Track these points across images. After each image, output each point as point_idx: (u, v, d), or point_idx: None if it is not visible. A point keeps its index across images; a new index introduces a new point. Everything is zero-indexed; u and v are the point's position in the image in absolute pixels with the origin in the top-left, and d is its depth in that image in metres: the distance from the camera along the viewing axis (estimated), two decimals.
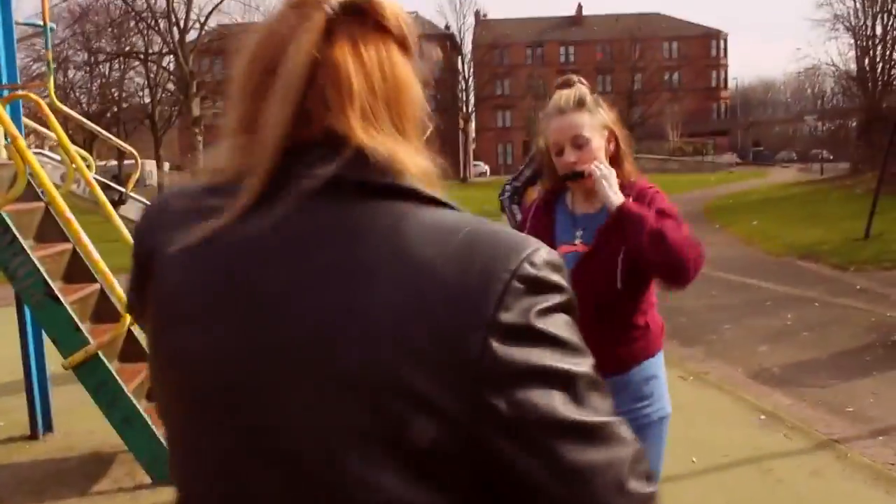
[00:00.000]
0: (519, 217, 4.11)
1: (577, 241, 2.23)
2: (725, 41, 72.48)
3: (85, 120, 6.39)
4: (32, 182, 4.28)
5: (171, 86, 29.00)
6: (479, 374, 0.71)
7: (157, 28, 26.15)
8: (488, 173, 66.22)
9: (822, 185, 28.87)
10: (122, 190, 6.10)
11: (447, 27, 59.48)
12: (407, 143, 0.81)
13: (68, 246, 4.80)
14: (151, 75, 30.27)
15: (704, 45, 70.58)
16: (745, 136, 69.29)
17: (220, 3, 26.82)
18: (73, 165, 4.76)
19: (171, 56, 25.80)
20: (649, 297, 2.27)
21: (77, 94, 34.26)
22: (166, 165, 33.72)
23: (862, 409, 5.22)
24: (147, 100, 32.05)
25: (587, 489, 0.72)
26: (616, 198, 2.10)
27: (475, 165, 65.59)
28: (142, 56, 29.94)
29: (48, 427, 5.06)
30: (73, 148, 4.75)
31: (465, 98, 52.44)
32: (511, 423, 0.71)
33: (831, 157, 38.16)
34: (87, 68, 32.65)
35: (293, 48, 0.77)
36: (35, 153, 4.64)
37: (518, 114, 60.68)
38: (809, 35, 68.15)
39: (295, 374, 0.73)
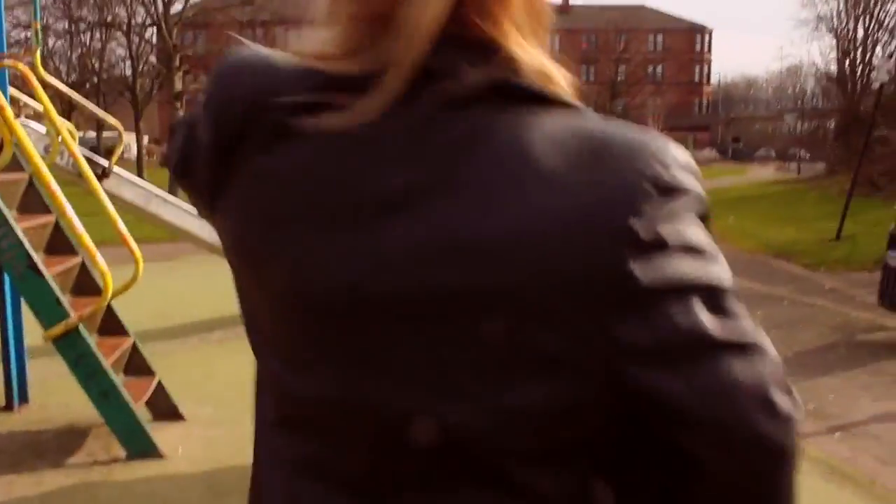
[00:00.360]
0: None
1: None
2: (710, 36, 72.88)
3: (71, 91, 6.38)
4: (17, 152, 4.30)
5: (153, 58, 28.71)
6: (615, 295, 0.66)
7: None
8: None
9: (798, 184, 29.21)
10: (106, 163, 6.10)
11: None
12: (542, 47, 0.75)
13: (51, 218, 4.83)
14: (134, 47, 29.93)
15: (689, 40, 70.94)
16: (725, 131, 69.71)
17: None
18: (59, 137, 4.78)
19: (154, 28, 25.50)
20: None
21: (57, 62, 33.82)
22: (146, 138, 33.43)
23: (822, 406, 5.39)
24: (128, 72, 31.71)
25: (734, 408, 0.67)
26: None
27: None
28: (124, 27, 29.61)
29: (24, 398, 5.09)
30: (59, 119, 4.77)
31: None
32: (652, 345, 0.66)
33: (809, 157, 38.57)
34: (68, 37, 32.28)
35: None
36: (20, 123, 4.65)
37: None
38: (793, 34, 68.15)
39: (424, 290, 0.67)
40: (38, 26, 5.08)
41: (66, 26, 31.22)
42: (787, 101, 65.30)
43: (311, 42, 0.73)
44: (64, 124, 5.10)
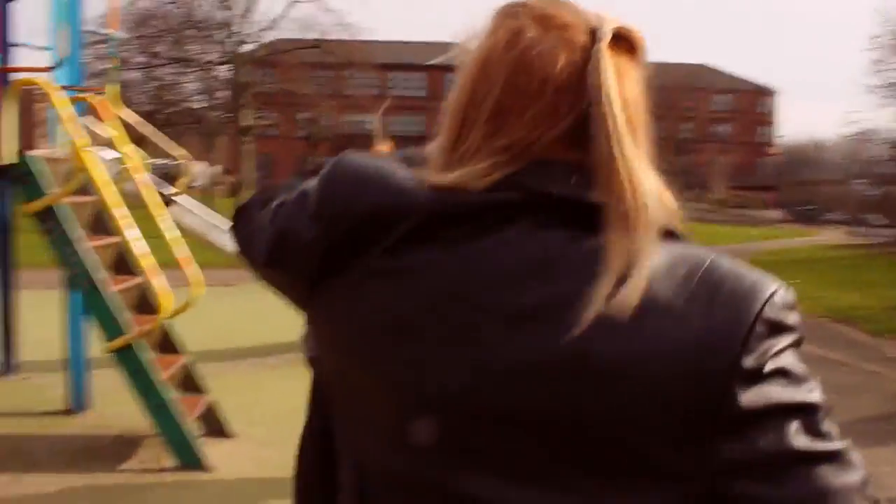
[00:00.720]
0: None
1: None
2: (776, 97, 72.14)
3: (144, 124, 6.62)
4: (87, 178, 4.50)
5: (223, 93, 29.57)
6: (720, 417, 0.72)
7: (213, 38, 26.77)
8: None
9: (867, 249, 28.51)
10: (169, 194, 6.29)
11: None
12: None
13: (118, 239, 5.02)
14: (205, 82, 30.97)
15: (754, 100, 70.23)
16: (792, 193, 68.66)
17: (279, 19, 27.39)
18: (128, 165, 4.99)
19: (227, 65, 26.36)
20: None
21: (133, 93, 35.07)
22: (219, 168, 34.36)
23: (878, 476, 5.21)
24: (199, 105, 32.76)
25: None
26: None
27: None
28: (198, 63, 30.68)
29: (85, 405, 5.28)
30: (130, 147, 4.98)
31: None
32: (752, 459, 0.73)
33: (879, 223, 37.68)
34: (146, 70, 33.50)
35: (601, 75, 0.76)
36: (94, 150, 4.87)
37: None
38: (863, 99, 67.19)
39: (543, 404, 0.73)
40: (117, 62, 5.33)
41: (145, 60, 32.43)
42: (857, 165, 64.16)
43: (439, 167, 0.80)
44: (137, 152, 5.32)
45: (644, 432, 0.72)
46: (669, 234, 0.77)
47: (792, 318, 0.78)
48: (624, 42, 0.81)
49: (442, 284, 0.76)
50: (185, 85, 34.26)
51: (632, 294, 0.71)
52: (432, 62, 61.17)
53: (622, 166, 0.74)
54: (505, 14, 0.83)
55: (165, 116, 36.51)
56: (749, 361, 0.73)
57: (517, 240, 0.75)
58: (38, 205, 4.37)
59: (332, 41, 29.91)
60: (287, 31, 29.69)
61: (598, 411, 0.72)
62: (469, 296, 0.75)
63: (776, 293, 0.77)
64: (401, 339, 0.77)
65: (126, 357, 4.26)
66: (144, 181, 5.01)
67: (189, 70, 31.86)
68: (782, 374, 0.75)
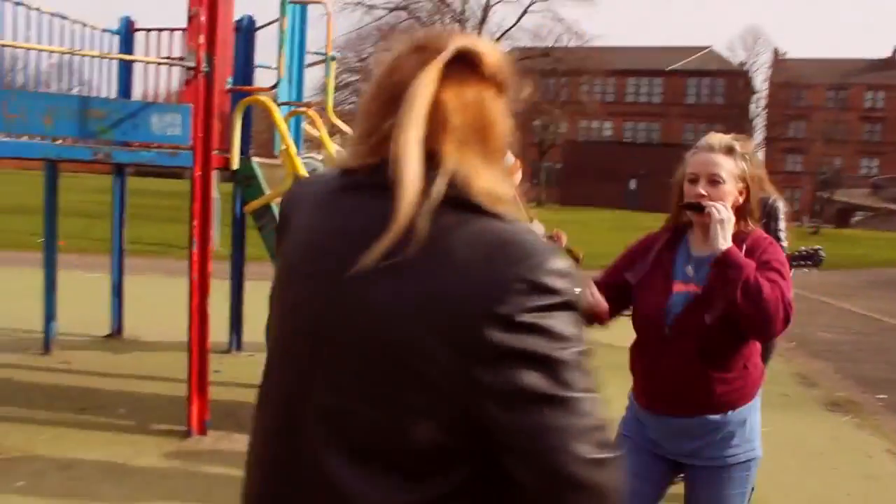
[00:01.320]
0: None
1: (691, 282, 2.34)
2: None
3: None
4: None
5: None
6: (478, 352, 0.95)
7: None
8: None
9: None
10: None
11: (741, 64, 57.30)
12: (491, 167, 1.05)
13: None
14: None
15: None
16: None
17: (508, 30, 28.19)
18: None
19: None
20: (752, 344, 2.36)
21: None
22: None
23: None
24: None
25: (543, 445, 0.96)
26: (724, 242, 2.22)
27: None
28: None
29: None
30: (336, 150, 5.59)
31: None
32: (495, 390, 0.96)
33: None
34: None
35: (416, 86, 1.01)
36: (307, 157, 5.55)
37: (809, 159, 56.81)
38: None
39: (355, 337, 1.02)
40: (329, 81, 5.99)
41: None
42: None
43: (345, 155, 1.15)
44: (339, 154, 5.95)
45: (426, 360, 0.98)
46: (495, 215, 1.02)
47: (559, 283, 0.98)
48: (467, 60, 1.06)
49: (310, 240, 1.12)
50: None
51: (409, 249, 0.97)
52: (670, 68, 59.74)
53: (395, 152, 1.00)
54: (401, 41, 1.11)
55: None
56: (503, 310, 0.95)
57: (358, 208, 1.07)
58: (255, 204, 5.10)
59: (561, 49, 30.23)
60: (519, 41, 30.42)
61: (391, 341, 0.99)
62: (329, 249, 1.08)
63: (546, 261, 0.98)
64: (287, 281, 1.13)
65: None
66: None
67: None
68: (538, 328, 0.96)
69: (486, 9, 26.79)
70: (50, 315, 6.82)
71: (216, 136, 4.90)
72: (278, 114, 5.03)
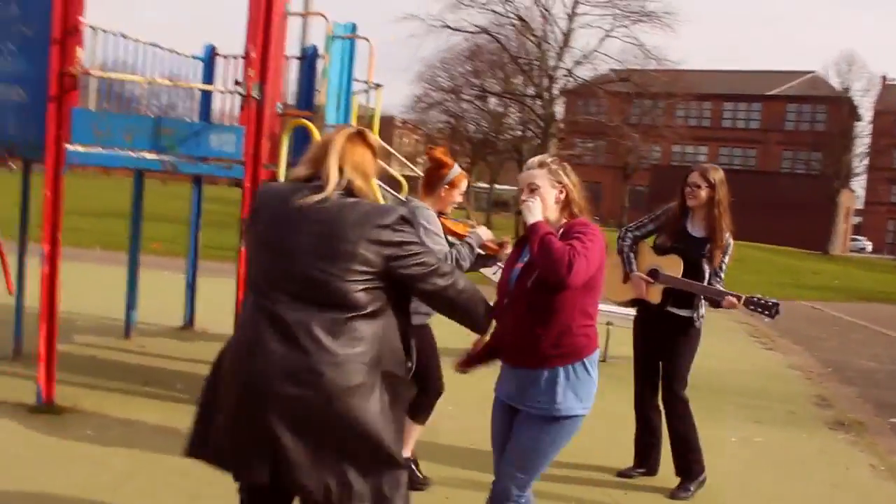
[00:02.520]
0: (634, 266, 4.82)
1: (524, 260, 3.11)
2: None
3: (390, 153, 8.07)
4: None
5: (537, 125, 31.47)
6: (385, 243, 2.49)
7: (528, 73, 28.79)
8: (869, 249, 60.45)
9: None
10: None
11: (846, 89, 55.73)
12: (366, 181, 2.60)
13: None
14: (525, 114, 33.31)
15: None
16: None
17: (585, 57, 28.64)
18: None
19: (539, 99, 28.22)
20: (578, 315, 2.98)
21: (465, 122, 38.65)
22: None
23: None
24: (518, 135, 35.26)
25: (427, 277, 2.59)
26: (531, 217, 3.01)
27: (854, 240, 60.32)
28: (510, 97, 33.17)
29: None
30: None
31: (848, 166, 48.49)
32: (397, 259, 2.51)
33: None
34: (477, 102, 36.80)
35: (337, 140, 2.60)
36: None
37: None
38: None
39: (306, 259, 2.48)
40: (376, 108, 6.80)
41: (476, 93, 35.66)
42: None
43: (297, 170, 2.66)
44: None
45: (359, 247, 2.47)
46: (370, 201, 2.60)
47: (403, 226, 2.55)
48: (360, 135, 2.67)
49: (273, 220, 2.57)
50: (510, 116, 37.03)
51: (330, 206, 2.50)
52: (770, 93, 58.66)
53: (326, 167, 2.54)
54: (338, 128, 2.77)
55: (492, 145, 39.74)
56: (382, 229, 2.50)
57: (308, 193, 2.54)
58: None
59: (646, 73, 30.49)
60: (602, 64, 30.82)
61: (339, 250, 2.47)
62: (286, 223, 2.52)
63: (398, 215, 2.55)
64: (258, 247, 2.58)
65: None
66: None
67: (512, 103, 34.36)
68: (399, 240, 2.54)
69: (568, 34, 27.32)
70: (130, 305, 7.86)
71: (265, 153, 5.77)
72: (317, 134, 5.85)
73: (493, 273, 5.05)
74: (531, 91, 29.50)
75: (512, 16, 28.32)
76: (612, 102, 31.80)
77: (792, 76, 58.42)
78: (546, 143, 27.47)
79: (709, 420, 6.58)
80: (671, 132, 38.78)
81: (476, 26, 29.18)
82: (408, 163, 8.36)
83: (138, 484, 4.32)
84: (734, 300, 4.44)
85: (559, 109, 32.68)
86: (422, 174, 4.72)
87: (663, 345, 4.83)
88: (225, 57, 7.74)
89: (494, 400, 3.23)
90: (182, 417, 5.47)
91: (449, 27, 29.13)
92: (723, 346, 11.10)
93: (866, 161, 51.24)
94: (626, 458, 5.15)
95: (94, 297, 9.27)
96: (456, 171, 4.40)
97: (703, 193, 4.69)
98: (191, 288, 8.49)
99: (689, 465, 4.83)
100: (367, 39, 6.63)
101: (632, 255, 4.86)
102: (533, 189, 3.11)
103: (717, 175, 4.74)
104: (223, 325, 8.21)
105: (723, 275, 4.78)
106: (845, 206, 52.58)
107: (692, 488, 4.78)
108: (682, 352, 4.81)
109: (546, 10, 27.61)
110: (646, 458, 5.03)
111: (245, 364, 2.47)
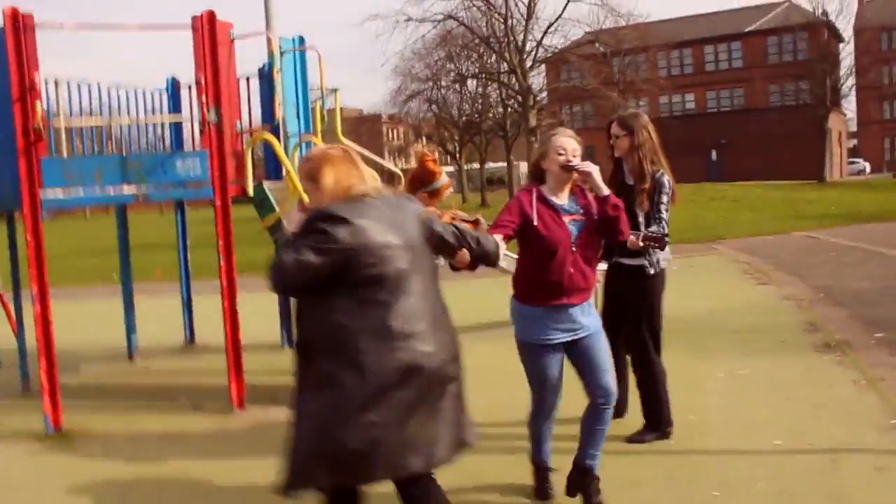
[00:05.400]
0: None
1: (575, 214, 3.82)
2: None
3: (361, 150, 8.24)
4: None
5: (516, 100, 31.63)
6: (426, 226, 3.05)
7: (499, 51, 28.92)
8: (868, 170, 60.31)
9: None
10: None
11: (824, 13, 55.41)
12: (314, 195, 2.92)
13: None
14: (500, 92, 33.51)
15: None
16: None
17: (551, 27, 28.71)
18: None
19: (513, 74, 28.36)
20: None
21: (448, 107, 38.85)
22: (522, 166, 36.88)
23: None
24: (500, 112, 35.51)
25: (452, 238, 3.13)
26: (603, 188, 3.84)
27: (851, 163, 60.13)
28: (487, 75, 33.41)
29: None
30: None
31: (835, 90, 48.21)
32: (437, 226, 3.09)
33: None
34: (457, 86, 37.02)
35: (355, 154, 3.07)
36: None
37: None
38: None
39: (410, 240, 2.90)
40: (322, 112, 7.04)
41: (454, 77, 35.85)
42: None
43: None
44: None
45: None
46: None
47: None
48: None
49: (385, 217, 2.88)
50: (490, 96, 37.19)
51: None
52: (748, 29, 58.42)
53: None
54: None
55: (476, 126, 39.92)
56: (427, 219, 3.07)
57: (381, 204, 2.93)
58: (269, 220, 6.21)
59: (617, 30, 30.57)
60: (572, 30, 30.87)
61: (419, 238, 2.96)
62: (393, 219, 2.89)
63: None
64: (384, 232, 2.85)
65: None
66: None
67: (490, 82, 34.53)
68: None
69: (531, 5, 27.43)
70: (130, 329, 8.20)
71: (231, 171, 6.03)
72: (278, 145, 6.11)
73: (508, 265, 5.25)
74: (505, 68, 29.62)
75: None
76: (587, 66, 31.89)
77: (767, 9, 58.04)
78: (526, 116, 27.60)
79: (697, 359, 6.85)
80: (651, 84, 38.78)
81: (441, 14, 29.32)
82: (377, 159, 8.54)
83: (144, 490, 4.62)
84: (633, 238, 4.32)
85: (537, 81, 32.81)
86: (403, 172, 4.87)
87: (623, 296, 4.94)
88: (189, 87, 7.98)
89: (545, 348, 3.84)
90: (185, 425, 5.92)
91: (413, 19, 29.26)
92: (717, 287, 11.36)
93: (852, 81, 50.94)
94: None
95: (97, 330, 9.63)
96: (443, 180, 4.58)
97: (625, 142, 4.75)
98: (187, 307, 8.79)
99: (650, 415, 4.96)
100: (314, 49, 6.87)
101: None
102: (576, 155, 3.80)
103: (637, 120, 4.77)
104: (220, 339, 8.50)
105: (663, 215, 4.73)
106: (837, 131, 52.47)
107: (648, 438, 4.90)
108: (637, 301, 4.88)
109: None
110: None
111: (425, 358, 2.79)
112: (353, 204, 2.80)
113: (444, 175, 4.63)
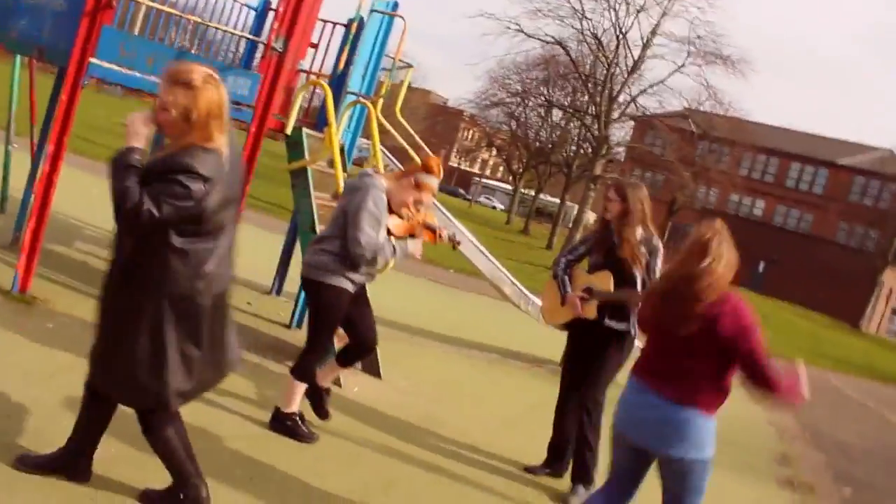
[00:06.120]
0: (568, 288, 4.97)
1: None
2: None
3: (410, 135, 8.12)
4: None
5: (591, 144, 31.41)
6: None
7: (593, 93, 28.71)
8: None
9: None
10: None
11: None
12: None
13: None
14: (580, 132, 33.35)
15: None
16: None
17: (650, 87, 28.44)
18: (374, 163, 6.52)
19: (598, 120, 28.11)
20: None
21: (527, 128, 38.77)
22: (574, 209, 36.72)
23: None
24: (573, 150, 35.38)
25: None
26: None
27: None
28: (574, 112, 33.21)
29: (299, 324, 7.07)
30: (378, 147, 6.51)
31: None
32: None
33: None
34: (542, 111, 36.93)
35: None
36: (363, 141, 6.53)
37: None
38: None
39: None
40: (388, 81, 6.97)
41: (541, 101, 35.76)
42: None
43: None
44: (381, 153, 6.79)
45: None
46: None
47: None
48: None
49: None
50: (569, 132, 37.03)
51: None
52: (842, 162, 57.49)
53: None
54: None
55: (545, 156, 39.76)
56: None
57: None
58: (294, 165, 6.17)
59: (703, 113, 30.27)
60: (668, 99, 30.60)
61: None
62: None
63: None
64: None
65: None
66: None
67: (573, 119, 34.37)
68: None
69: (638, 61, 27.17)
70: None
71: (276, 103, 6.00)
72: (329, 96, 6.07)
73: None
74: (592, 111, 29.38)
75: (588, 34, 28.22)
76: (672, 138, 31.55)
77: (863, 149, 57.16)
78: (594, 162, 27.38)
79: None
80: (725, 178, 38.33)
81: (550, 37, 29.13)
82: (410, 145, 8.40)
83: (74, 377, 4.57)
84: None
85: (619, 134, 32.50)
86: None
87: (593, 353, 4.95)
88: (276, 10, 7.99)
89: None
90: None
91: (524, 32, 29.10)
92: None
93: None
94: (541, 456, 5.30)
95: (103, 212, 9.62)
96: (432, 179, 4.50)
97: (616, 207, 4.86)
98: None
99: (583, 465, 4.93)
100: (401, 17, 6.82)
101: (566, 278, 5.06)
102: None
103: (633, 191, 4.89)
104: (266, 276, 8.43)
105: (656, 278, 4.78)
106: (889, 287, 51.38)
107: (581, 491, 4.86)
108: (609, 359, 4.93)
109: (623, 33, 27.46)
110: (555, 460, 5.18)
111: None
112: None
113: (435, 178, 4.55)
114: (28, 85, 8.20)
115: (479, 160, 75.72)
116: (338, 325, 4.54)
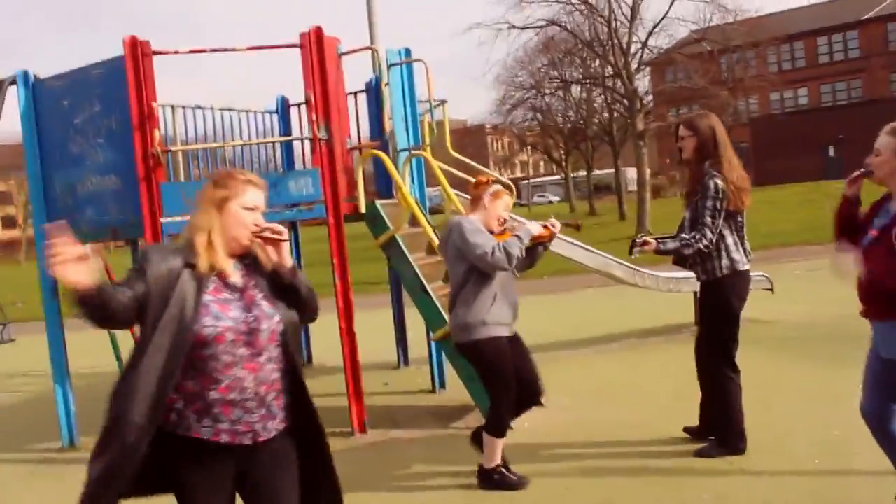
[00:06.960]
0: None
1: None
2: None
3: (461, 164, 8.02)
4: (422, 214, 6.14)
5: (622, 104, 30.92)
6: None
7: (603, 55, 28.26)
8: None
9: None
10: None
11: None
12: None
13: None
14: (605, 97, 32.82)
15: None
16: None
17: (655, 27, 27.85)
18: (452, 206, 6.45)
19: (619, 78, 27.64)
20: None
21: (553, 115, 38.43)
22: (630, 171, 36.04)
23: None
24: (606, 116, 34.83)
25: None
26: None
27: None
28: (591, 81, 32.77)
29: (442, 385, 7.00)
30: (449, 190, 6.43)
31: None
32: None
33: None
34: (560, 93, 36.54)
35: None
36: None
37: None
38: None
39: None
40: (431, 125, 6.91)
41: (558, 84, 35.44)
42: None
43: None
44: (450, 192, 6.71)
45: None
46: None
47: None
48: None
49: None
50: (595, 101, 36.52)
51: None
52: (865, 17, 55.56)
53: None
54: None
55: (582, 133, 39.29)
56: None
57: None
58: (384, 238, 6.14)
59: (714, 28, 29.55)
60: (679, 30, 29.99)
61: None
62: None
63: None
64: None
65: (446, 344, 5.73)
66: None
67: (594, 87, 33.94)
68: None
69: (634, 6, 26.68)
70: None
71: (343, 188, 6.01)
72: (389, 161, 6.05)
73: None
74: (609, 71, 28.96)
75: (576, 1, 27.93)
76: (694, 65, 30.81)
77: None
78: (634, 120, 26.86)
79: (837, 369, 6.37)
80: (761, 81, 37.25)
81: (543, 20, 28.90)
82: (489, 172, 8.38)
83: None
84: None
85: (643, 84, 31.87)
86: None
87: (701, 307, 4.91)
88: (298, 105, 8.06)
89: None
90: None
91: (515, 27, 28.95)
92: (848, 290, 10.65)
93: None
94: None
95: None
96: (495, 186, 4.55)
97: (690, 143, 4.61)
98: (304, 327, 8.84)
99: (719, 429, 4.74)
100: (421, 61, 6.78)
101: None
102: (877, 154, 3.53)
103: (703, 121, 4.63)
104: (337, 358, 8.49)
105: (706, 220, 4.49)
106: None
107: (714, 454, 4.67)
108: (706, 313, 4.77)
109: None
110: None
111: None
112: None
113: (496, 184, 4.62)
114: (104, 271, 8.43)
115: (518, 164, 75.37)
116: (511, 371, 4.44)
